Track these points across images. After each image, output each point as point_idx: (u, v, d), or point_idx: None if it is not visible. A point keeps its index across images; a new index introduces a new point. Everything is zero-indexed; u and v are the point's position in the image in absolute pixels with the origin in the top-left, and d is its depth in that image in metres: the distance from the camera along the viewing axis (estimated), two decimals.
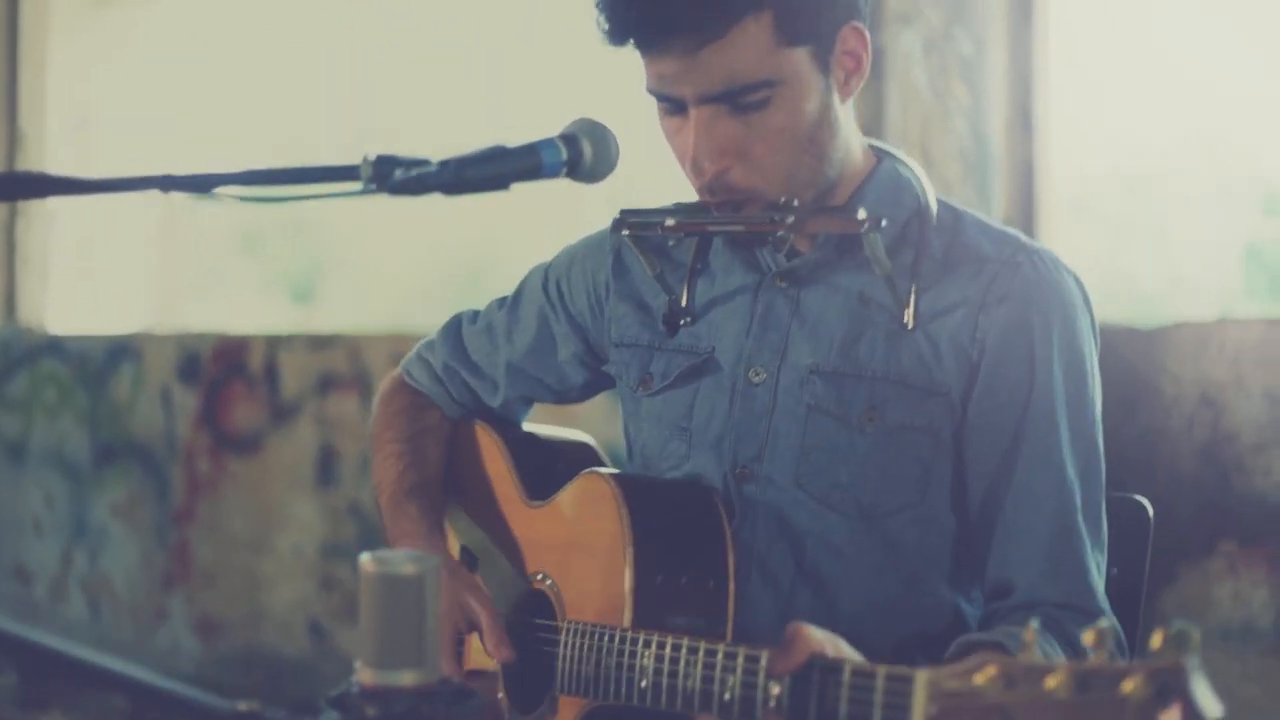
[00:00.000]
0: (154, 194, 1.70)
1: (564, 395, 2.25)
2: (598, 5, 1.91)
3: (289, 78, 5.83)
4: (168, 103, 5.99)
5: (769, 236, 1.92)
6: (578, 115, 1.81)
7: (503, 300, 2.27)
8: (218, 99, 5.92)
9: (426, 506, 2.18)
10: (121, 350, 5.51)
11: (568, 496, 2.05)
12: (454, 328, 2.29)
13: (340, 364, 4.95)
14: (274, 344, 5.13)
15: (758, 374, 2.00)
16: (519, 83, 5.31)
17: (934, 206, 1.98)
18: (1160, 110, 4.19)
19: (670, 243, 2.08)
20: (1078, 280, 1.98)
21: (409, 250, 5.59)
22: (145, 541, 5.45)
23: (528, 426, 2.29)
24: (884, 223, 1.88)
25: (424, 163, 1.68)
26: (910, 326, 1.94)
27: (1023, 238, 2.00)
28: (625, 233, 2.04)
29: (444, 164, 1.68)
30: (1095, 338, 1.99)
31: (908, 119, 3.87)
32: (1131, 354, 3.52)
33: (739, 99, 1.88)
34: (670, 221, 1.99)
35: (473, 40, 5.47)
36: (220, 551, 5.27)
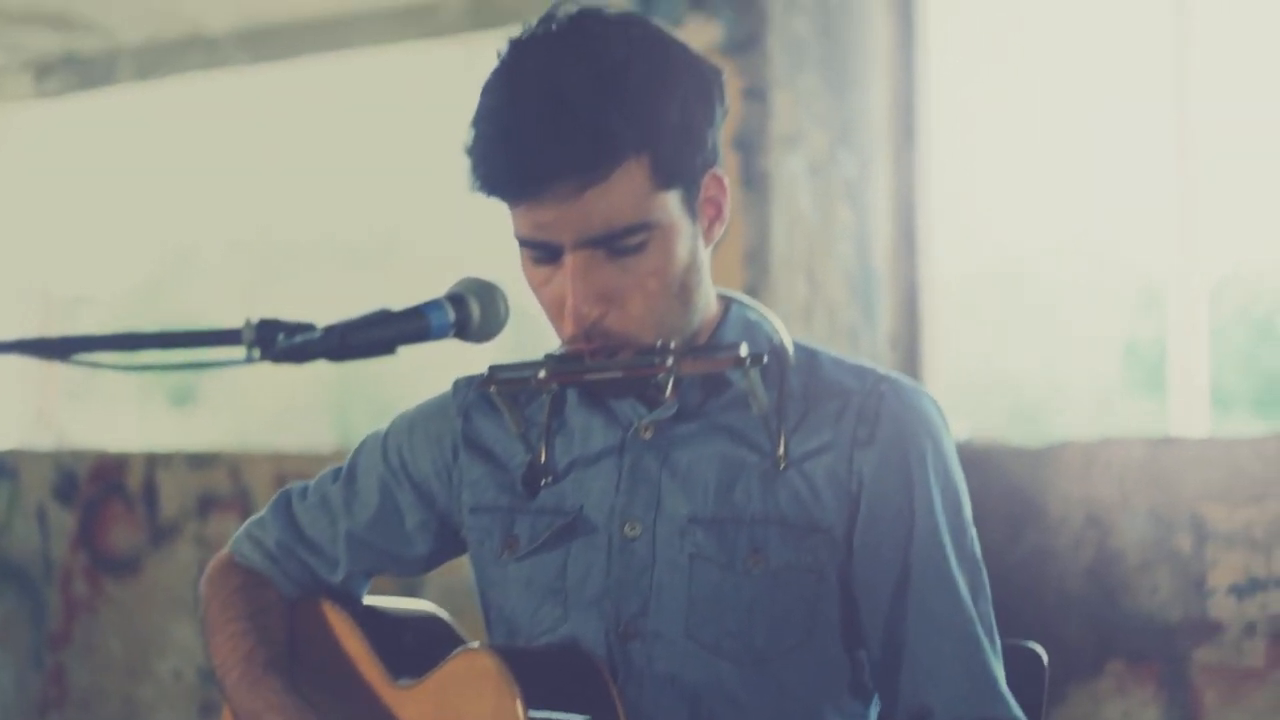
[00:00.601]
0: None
1: (410, 566, 2.15)
2: (467, 153, 1.85)
3: (171, 181, 5.80)
4: (47, 205, 5.93)
5: (648, 381, 1.89)
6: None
7: (336, 472, 2.16)
8: (99, 203, 5.88)
9: (288, 683, 2.06)
10: None
11: (445, 674, 1.97)
12: (284, 504, 2.17)
13: (221, 483, 4.87)
14: (153, 462, 5.04)
15: (633, 528, 1.95)
16: (408, 191, 5.31)
17: (790, 347, 1.97)
18: (1038, 219, 4.28)
19: (542, 396, 2.02)
20: (934, 401, 1.99)
21: None
22: (20, 666, 5.32)
23: (368, 600, 2.18)
24: (765, 358, 1.86)
25: (309, 328, 1.67)
26: (783, 466, 1.92)
27: (880, 369, 1.99)
28: (493, 389, 1.97)
29: (329, 330, 1.67)
30: (955, 452, 1.99)
31: (793, 243, 3.88)
32: (1019, 474, 3.54)
33: (618, 242, 1.84)
34: (542, 374, 1.92)
35: (356, 145, 5.48)
36: (98, 676, 5.15)
